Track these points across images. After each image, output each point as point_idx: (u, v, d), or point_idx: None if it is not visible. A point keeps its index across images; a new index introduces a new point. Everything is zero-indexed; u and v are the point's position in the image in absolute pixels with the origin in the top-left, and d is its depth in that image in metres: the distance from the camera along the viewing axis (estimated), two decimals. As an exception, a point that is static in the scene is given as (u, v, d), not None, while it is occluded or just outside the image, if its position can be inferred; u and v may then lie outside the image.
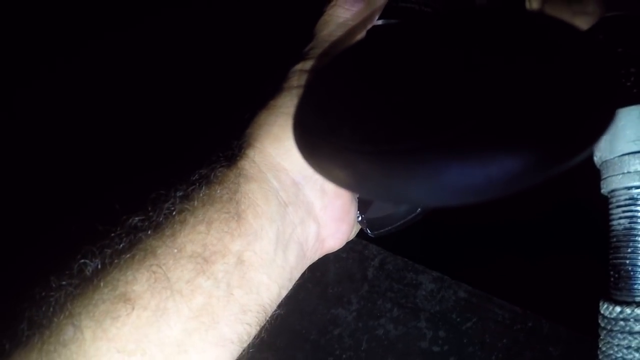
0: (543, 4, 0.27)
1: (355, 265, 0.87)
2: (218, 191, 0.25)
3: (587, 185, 0.26)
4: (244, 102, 0.29)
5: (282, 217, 0.26)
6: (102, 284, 0.23)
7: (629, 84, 0.23)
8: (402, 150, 0.14)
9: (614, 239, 0.22)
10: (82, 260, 0.24)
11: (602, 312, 0.22)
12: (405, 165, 0.14)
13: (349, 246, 0.90)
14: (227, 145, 0.28)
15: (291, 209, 0.27)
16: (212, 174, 0.26)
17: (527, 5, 0.28)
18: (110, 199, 0.27)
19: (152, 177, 0.27)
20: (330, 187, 0.28)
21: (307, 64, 0.28)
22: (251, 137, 0.27)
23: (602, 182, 0.23)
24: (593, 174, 0.25)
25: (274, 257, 0.26)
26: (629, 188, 0.22)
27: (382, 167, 0.15)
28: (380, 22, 0.29)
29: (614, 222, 0.22)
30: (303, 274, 0.30)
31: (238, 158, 0.27)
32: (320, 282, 0.84)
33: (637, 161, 0.22)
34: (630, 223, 0.22)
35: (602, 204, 0.23)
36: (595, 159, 0.24)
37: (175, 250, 0.23)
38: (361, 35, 0.29)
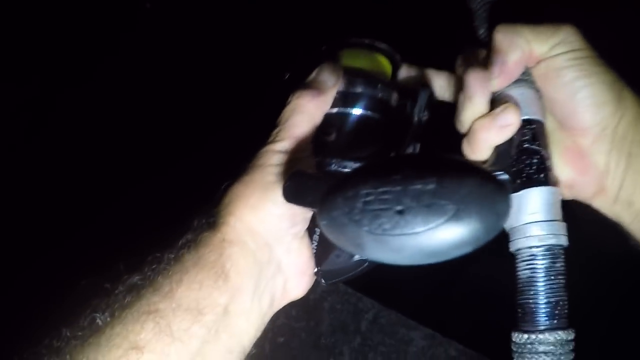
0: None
1: (349, 317, 0.88)
2: (206, 254, 0.30)
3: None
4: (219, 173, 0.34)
5: (258, 274, 0.32)
6: (113, 334, 0.27)
7: (532, 171, 0.30)
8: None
9: (520, 285, 0.29)
10: (93, 314, 0.29)
11: (514, 340, 0.28)
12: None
13: (345, 298, 0.91)
14: (207, 213, 0.33)
15: (265, 266, 0.32)
16: (199, 238, 0.31)
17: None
18: (113, 258, 0.32)
19: (145, 237, 0.33)
20: (294, 246, 0.34)
21: (275, 146, 0.34)
22: (230, 206, 0.32)
23: (510, 243, 0.30)
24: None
25: (251, 307, 0.32)
26: (530, 247, 0.29)
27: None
28: (334, 110, 0.36)
29: (520, 273, 0.28)
30: (298, 322, 0.35)
31: (220, 225, 0.32)
32: (314, 331, 0.85)
33: (535, 228, 0.29)
34: (532, 273, 0.28)
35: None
36: (505, 226, 0.29)
37: (174, 305, 0.28)
38: (318, 120, 0.35)
